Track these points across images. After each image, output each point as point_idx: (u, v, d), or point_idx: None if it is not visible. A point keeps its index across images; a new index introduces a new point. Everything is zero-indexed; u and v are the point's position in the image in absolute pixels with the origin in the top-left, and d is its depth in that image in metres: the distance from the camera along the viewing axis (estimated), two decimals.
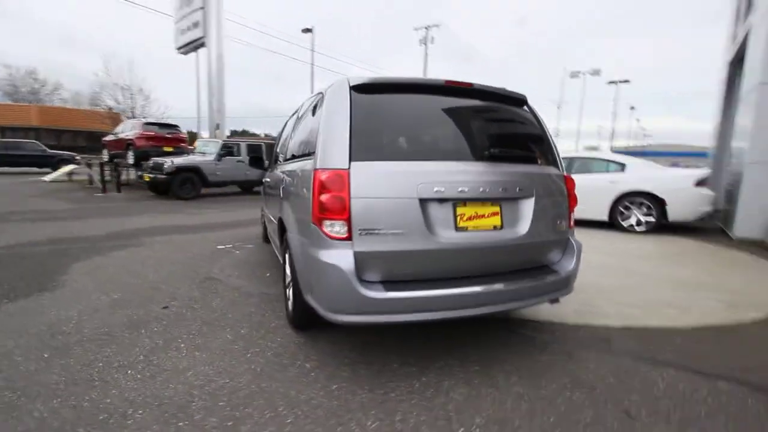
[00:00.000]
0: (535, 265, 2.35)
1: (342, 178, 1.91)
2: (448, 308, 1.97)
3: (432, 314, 1.95)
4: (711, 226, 7.35)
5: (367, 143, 2.00)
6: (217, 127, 14.77)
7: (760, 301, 3.31)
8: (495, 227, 2.13)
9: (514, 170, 2.23)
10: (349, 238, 1.89)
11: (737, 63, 8.89)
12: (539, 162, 2.40)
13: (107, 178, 11.72)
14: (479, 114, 2.38)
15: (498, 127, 2.42)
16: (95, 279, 3.63)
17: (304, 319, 2.48)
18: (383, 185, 1.95)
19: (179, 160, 10.46)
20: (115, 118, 25.79)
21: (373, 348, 2.39)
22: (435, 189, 1.99)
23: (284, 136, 3.61)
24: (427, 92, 2.26)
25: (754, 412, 1.84)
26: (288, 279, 2.77)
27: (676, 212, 6.49)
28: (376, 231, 1.91)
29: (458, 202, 2.06)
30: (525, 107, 2.54)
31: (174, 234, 5.86)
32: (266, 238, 5.29)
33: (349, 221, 1.89)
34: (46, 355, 2.25)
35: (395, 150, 2.08)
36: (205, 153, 11.32)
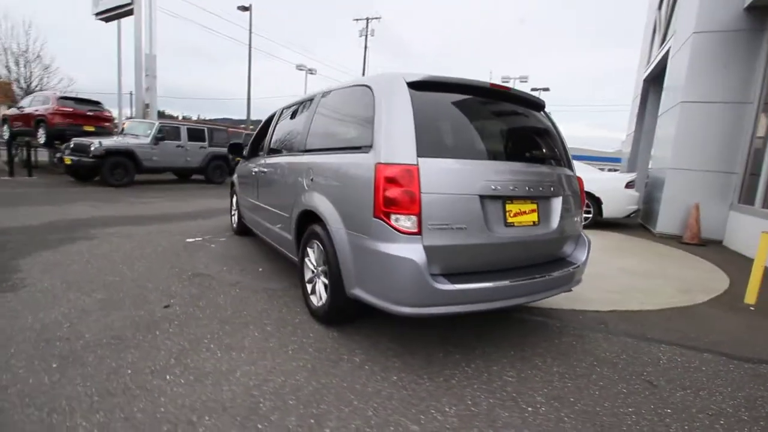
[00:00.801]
0: (557, 257, 2.59)
1: (411, 174, 1.94)
2: (502, 298, 2.11)
3: (489, 304, 2.08)
4: (634, 223, 8.50)
5: (428, 140, 2.04)
6: (147, 107, 13.35)
7: (702, 286, 3.98)
8: (534, 223, 2.32)
9: (548, 171, 2.44)
10: (419, 232, 1.93)
11: (651, 81, 10.31)
12: (561, 164, 2.64)
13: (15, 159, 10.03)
14: (516, 116, 2.54)
15: (531, 129, 2.60)
16: (61, 277, 3.17)
17: (342, 314, 2.47)
18: (448, 181, 2.02)
19: (109, 142, 9.32)
20: (5, 89, 22.00)
21: (410, 339, 2.46)
22: (492, 187, 2.11)
23: (291, 126, 3.46)
24: (473, 93, 2.36)
25: (737, 376, 2.26)
26: (310, 274, 2.71)
27: (610, 210, 7.41)
28: (444, 226, 1.97)
29: (507, 199, 2.20)
30: (543, 112, 2.76)
31: (126, 226, 5.28)
32: (241, 231, 5.01)
33: (419, 216, 1.93)
34: (54, 365, 1.96)
35: (452, 148, 2.16)
36: (138, 135, 10.20)
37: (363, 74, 31.87)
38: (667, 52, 7.99)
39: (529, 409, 1.84)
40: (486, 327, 2.69)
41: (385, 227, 1.97)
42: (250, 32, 22.05)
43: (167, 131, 10.44)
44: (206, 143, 11.47)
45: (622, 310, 3.18)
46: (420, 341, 2.44)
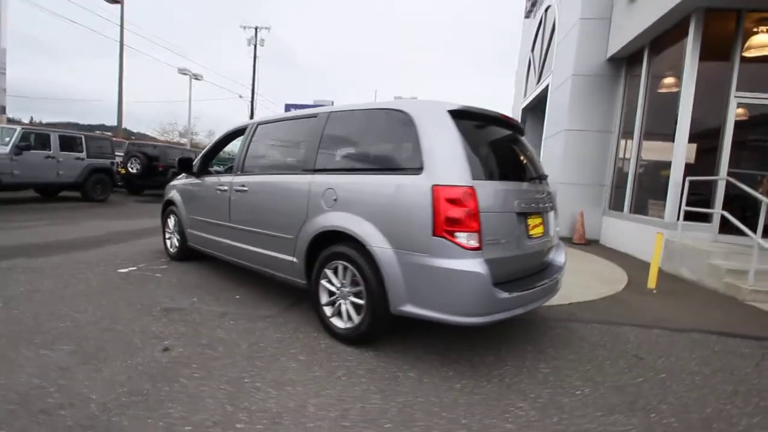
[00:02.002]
0: (548, 263, 3.03)
1: (470, 194, 2.12)
2: (534, 301, 2.42)
3: (526, 307, 2.36)
4: None
5: (473, 164, 2.25)
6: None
7: (612, 278, 4.97)
8: (542, 234, 2.70)
9: (543, 188, 2.87)
10: (480, 247, 2.12)
11: (530, 110, 12.32)
12: (543, 181, 3.10)
13: None
14: (516, 141, 2.91)
15: (526, 152, 2.99)
16: None
17: (381, 333, 2.48)
18: (495, 200, 2.25)
19: None
20: None
21: (443, 349, 2.59)
22: (522, 204, 2.41)
23: (283, 144, 3.29)
24: (490, 122, 2.66)
25: (684, 343, 2.96)
26: (328, 297, 2.67)
27: None
28: (496, 240, 2.19)
29: (528, 215, 2.53)
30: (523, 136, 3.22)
31: (20, 258, 4.22)
32: (183, 256, 4.45)
33: (479, 232, 2.11)
34: None
35: (489, 170, 2.39)
36: None
37: (253, 83, 30.48)
38: (546, 88, 9.73)
39: (578, 392, 2.15)
40: (493, 330, 2.98)
41: (448, 245, 2.10)
42: (122, 28, 19.28)
43: (32, 139, 8.52)
44: (84, 154, 9.67)
45: (577, 302, 3.82)
46: (453, 350, 2.59)
